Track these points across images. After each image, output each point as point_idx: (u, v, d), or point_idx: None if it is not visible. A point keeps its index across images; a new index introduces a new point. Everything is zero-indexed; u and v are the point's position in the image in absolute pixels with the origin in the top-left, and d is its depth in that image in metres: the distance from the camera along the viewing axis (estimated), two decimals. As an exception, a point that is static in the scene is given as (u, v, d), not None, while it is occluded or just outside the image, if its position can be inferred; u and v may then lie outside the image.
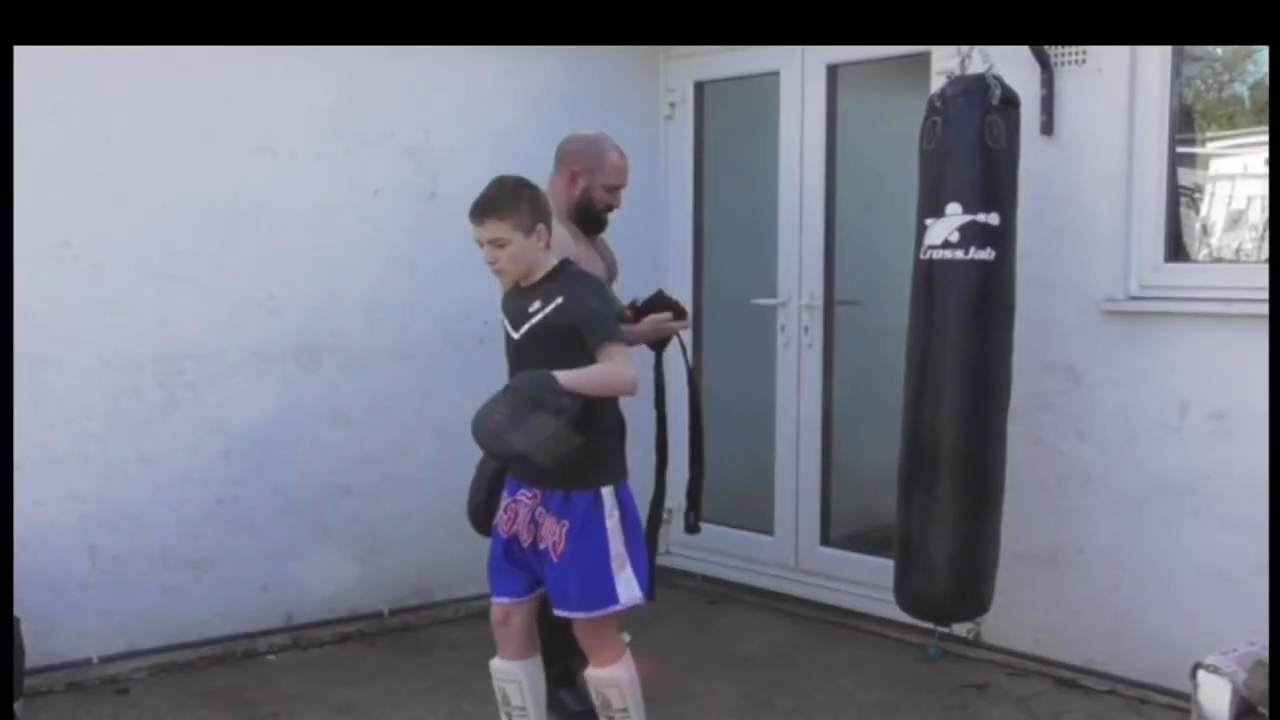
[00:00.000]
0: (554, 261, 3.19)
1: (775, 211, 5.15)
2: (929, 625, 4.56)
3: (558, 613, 3.17)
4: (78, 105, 4.14)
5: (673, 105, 5.48)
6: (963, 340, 3.83)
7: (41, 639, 4.02)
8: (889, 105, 5.28)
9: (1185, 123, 4.43)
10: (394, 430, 4.91)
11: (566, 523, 3.08)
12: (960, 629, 4.54)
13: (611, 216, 3.97)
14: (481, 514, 3.37)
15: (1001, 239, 3.84)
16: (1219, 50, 4.78)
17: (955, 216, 3.81)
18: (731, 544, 5.39)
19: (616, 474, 3.19)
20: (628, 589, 3.11)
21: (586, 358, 3.06)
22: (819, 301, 5.05)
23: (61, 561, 4.20)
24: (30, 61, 3.82)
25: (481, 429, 3.01)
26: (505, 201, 3.09)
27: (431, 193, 4.93)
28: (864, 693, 4.25)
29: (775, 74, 5.14)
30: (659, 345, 3.88)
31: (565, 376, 2.97)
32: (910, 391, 3.95)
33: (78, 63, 4.06)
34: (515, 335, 3.20)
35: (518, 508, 3.19)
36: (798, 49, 5.01)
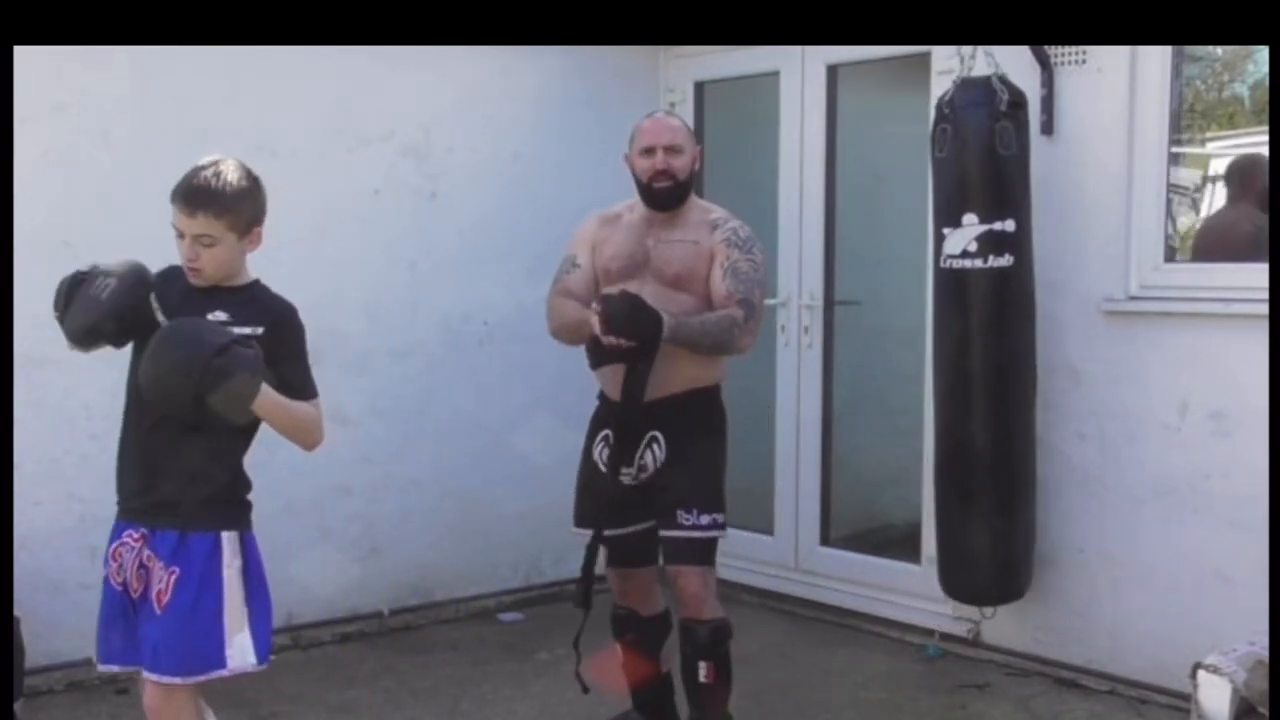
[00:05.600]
0: (251, 275, 2.81)
1: (775, 211, 5.15)
2: (932, 625, 4.61)
3: (148, 676, 2.66)
4: (78, 105, 4.14)
5: (673, 105, 5.47)
6: (986, 346, 4.01)
7: (41, 639, 4.01)
8: (889, 105, 5.29)
9: (1185, 123, 4.44)
10: (394, 430, 4.91)
11: (176, 570, 2.62)
12: (960, 629, 4.55)
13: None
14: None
15: (1017, 244, 3.92)
16: (1219, 50, 4.79)
17: (972, 227, 3.89)
18: (731, 544, 5.33)
19: (243, 520, 2.74)
20: (241, 653, 2.66)
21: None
22: (819, 301, 5.05)
23: (61, 561, 4.20)
24: (30, 61, 3.82)
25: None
26: (226, 195, 2.65)
27: (431, 193, 4.93)
28: (864, 693, 4.25)
29: (775, 74, 5.14)
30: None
31: (267, 393, 2.59)
32: (939, 397, 4.15)
33: (78, 63, 4.06)
34: None
35: (124, 552, 2.71)
36: (798, 49, 5.01)
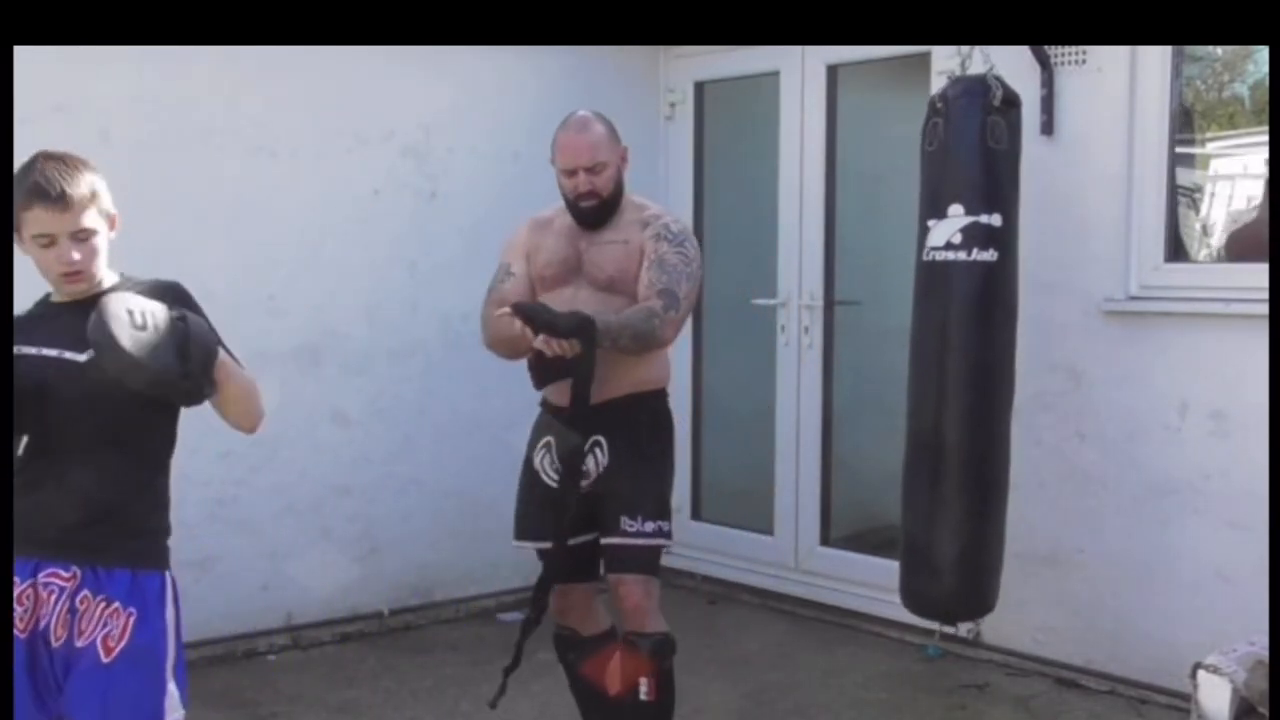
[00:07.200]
0: (114, 273, 2.45)
1: (775, 211, 5.15)
2: (932, 625, 4.57)
3: None
4: (78, 105, 4.14)
5: (673, 105, 5.48)
6: (966, 341, 3.86)
7: (41, 639, 4.01)
8: (889, 105, 5.28)
9: (1185, 123, 4.43)
10: (394, 430, 4.91)
11: (134, 611, 2.30)
12: (960, 629, 4.54)
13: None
14: None
15: (1003, 240, 3.86)
16: (1219, 50, 4.78)
17: (957, 218, 3.83)
18: (731, 544, 5.39)
19: (168, 558, 2.44)
20: (174, 707, 2.35)
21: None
22: (819, 301, 5.05)
23: (61, 561, 4.20)
24: (30, 61, 3.81)
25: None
26: (86, 180, 2.37)
27: (431, 193, 4.93)
28: (864, 693, 4.25)
29: (775, 74, 5.14)
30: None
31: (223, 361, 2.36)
32: (914, 393, 3.97)
33: (78, 63, 4.06)
34: (80, 359, 2.31)
35: (45, 595, 2.30)
36: (798, 49, 5.01)
